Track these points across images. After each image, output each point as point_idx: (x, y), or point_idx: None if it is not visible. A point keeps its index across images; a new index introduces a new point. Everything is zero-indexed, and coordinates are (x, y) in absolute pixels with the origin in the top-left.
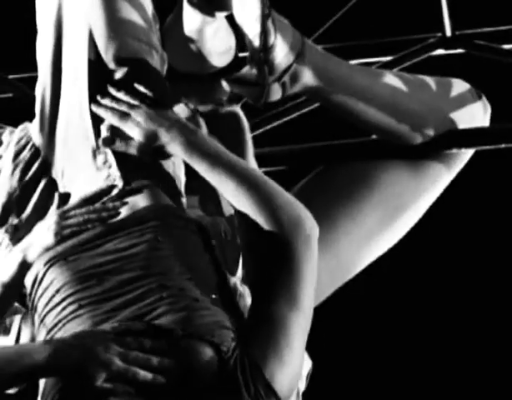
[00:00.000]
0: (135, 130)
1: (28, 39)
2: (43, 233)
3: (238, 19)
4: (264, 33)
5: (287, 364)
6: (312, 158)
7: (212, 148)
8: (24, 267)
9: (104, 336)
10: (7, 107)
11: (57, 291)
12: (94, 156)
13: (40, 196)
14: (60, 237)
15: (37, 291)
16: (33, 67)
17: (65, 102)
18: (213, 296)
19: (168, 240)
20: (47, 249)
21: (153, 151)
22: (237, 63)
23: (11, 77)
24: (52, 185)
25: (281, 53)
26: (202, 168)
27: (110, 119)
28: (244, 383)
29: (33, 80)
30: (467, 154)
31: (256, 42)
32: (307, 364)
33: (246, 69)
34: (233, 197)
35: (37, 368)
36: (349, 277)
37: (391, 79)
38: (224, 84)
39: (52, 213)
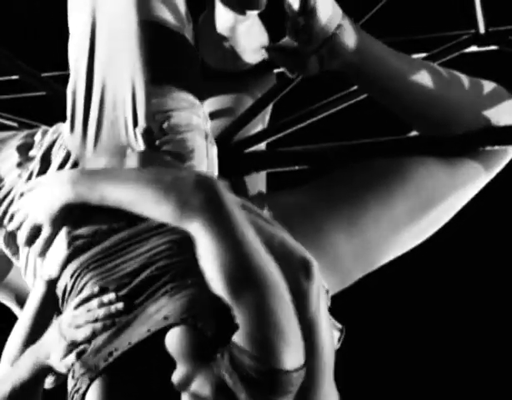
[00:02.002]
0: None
1: (62, 37)
2: (54, 344)
3: None
4: None
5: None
6: (346, 157)
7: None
8: (41, 370)
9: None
10: (41, 105)
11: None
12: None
13: None
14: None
15: (67, 301)
16: (67, 65)
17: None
18: None
19: (186, 243)
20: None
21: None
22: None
23: (44, 75)
24: None
25: (321, 22)
26: (94, 201)
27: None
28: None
29: (67, 78)
30: (507, 155)
31: (296, 5)
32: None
33: (285, 39)
34: (139, 210)
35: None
36: (375, 265)
37: (428, 67)
38: (263, 53)
39: (62, 320)
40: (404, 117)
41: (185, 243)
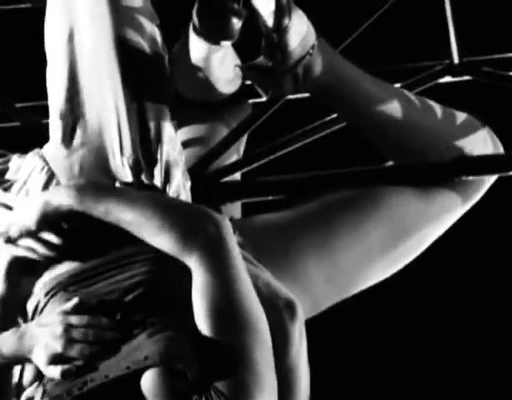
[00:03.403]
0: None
1: (37, 67)
2: (41, 344)
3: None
4: (278, 12)
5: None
6: (321, 186)
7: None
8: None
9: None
10: (17, 135)
11: None
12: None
13: None
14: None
15: (35, 318)
16: (42, 95)
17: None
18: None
19: (165, 271)
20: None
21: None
22: (244, 90)
23: (19, 105)
24: None
25: (295, 40)
26: (98, 215)
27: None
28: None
29: (42, 108)
30: (484, 184)
31: (270, 22)
32: None
33: (260, 58)
34: (141, 234)
35: (8, 354)
36: (348, 292)
37: (403, 94)
38: (237, 71)
39: (55, 318)
40: (377, 143)
41: (164, 277)
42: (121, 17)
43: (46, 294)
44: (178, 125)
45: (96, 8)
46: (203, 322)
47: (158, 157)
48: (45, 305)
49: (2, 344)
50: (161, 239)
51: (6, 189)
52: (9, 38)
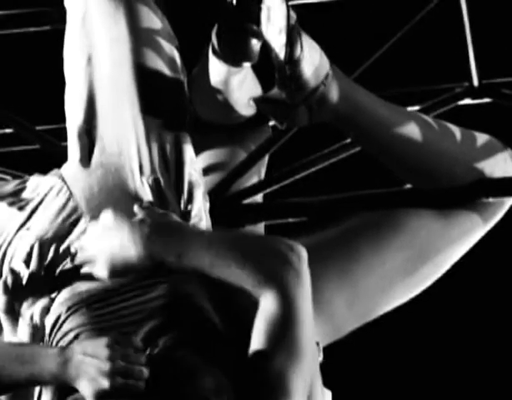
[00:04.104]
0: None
1: (56, 90)
2: (95, 373)
3: (265, 33)
4: (290, 44)
5: None
6: (340, 208)
7: (177, 233)
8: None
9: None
10: (35, 158)
11: (76, 337)
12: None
13: (70, 238)
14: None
15: (56, 334)
16: (61, 118)
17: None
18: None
19: (191, 296)
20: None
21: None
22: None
23: (38, 128)
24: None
25: (308, 71)
26: (171, 260)
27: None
28: None
29: (61, 131)
30: (503, 206)
31: (281, 54)
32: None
33: (274, 90)
34: (214, 272)
35: (47, 374)
36: (369, 317)
37: (419, 118)
38: (251, 104)
39: (102, 351)
40: (396, 169)
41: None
42: (139, 39)
43: (68, 309)
44: (197, 148)
45: (114, 31)
46: (262, 347)
47: (181, 177)
48: (66, 319)
49: (40, 362)
50: (239, 276)
51: (21, 208)
52: (28, 61)
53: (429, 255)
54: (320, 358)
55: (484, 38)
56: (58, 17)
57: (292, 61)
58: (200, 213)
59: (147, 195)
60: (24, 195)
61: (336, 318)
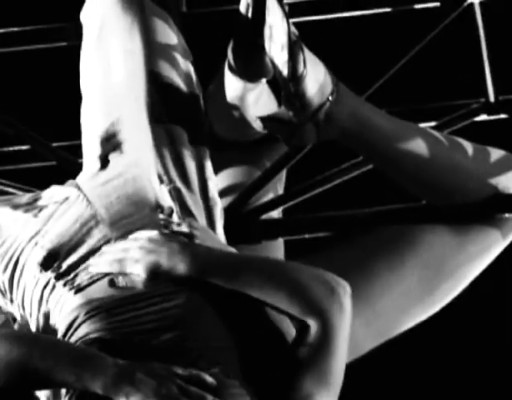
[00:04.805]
0: (136, 267)
1: (72, 107)
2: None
3: (268, 50)
4: (292, 60)
5: None
6: (356, 225)
7: (220, 257)
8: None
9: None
10: (52, 175)
11: (94, 341)
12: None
13: (88, 245)
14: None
15: (71, 336)
16: (77, 134)
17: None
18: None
19: (213, 305)
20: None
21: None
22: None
23: (54, 144)
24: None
25: (312, 87)
26: (221, 280)
27: (109, 269)
28: None
29: (77, 147)
30: None
31: (285, 71)
32: None
33: (280, 109)
34: (261, 296)
35: (96, 381)
36: (391, 334)
37: (430, 134)
38: (259, 124)
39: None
40: (408, 185)
41: (210, 305)
42: (154, 51)
43: (86, 313)
44: (213, 165)
45: (129, 44)
46: (298, 368)
47: (205, 192)
48: (82, 323)
49: (94, 368)
50: (288, 301)
51: (36, 215)
52: (45, 78)
53: (447, 272)
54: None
55: (501, 54)
56: (75, 33)
57: (295, 77)
58: (221, 231)
59: (167, 202)
60: (39, 203)
61: (355, 338)
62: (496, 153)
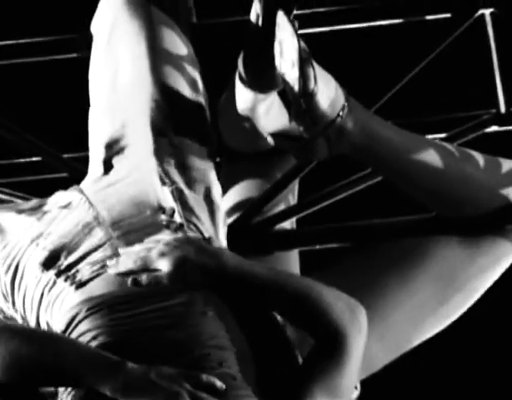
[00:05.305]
0: (163, 261)
1: (82, 118)
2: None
3: (278, 66)
4: (303, 77)
5: None
6: (367, 236)
7: (248, 263)
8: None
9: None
10: (63, 186)
11: (95, 338)
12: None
13: (90, 243)
14: None
15: (71, 332)
16: (88, 146)
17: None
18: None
19: (215, 305)
20: None
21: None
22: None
23: (66, 155)
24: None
25: (324, 103)
26: (245, 286)
27: (133, 266)
28: None
29: (88, 159)
30: None
31: (296, 87)
32: None
33: (291, 124)
34: (283, 308)
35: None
36: (405, 348)
37: (440, 146)
38: (270, 140)
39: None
40: (419, 197)
41: (213, 305)
42: (160, 58)
43: (87, 310)
44: (225, 177)
45: (136, 50)
46: (311, 381)
47: (209, 197)
48: (83, 320)
49: (96, 370)
50: (312, 318)
51: (39, 218)
52: (55, 89)
53: (459, 285)
54: (357, 392)
55: None
56: (86, 44)
57: (306, 94)
58: (223, 237)
59: (168, 203)
60: (44, 208)
61: (369, 354)
62: (507, 164)
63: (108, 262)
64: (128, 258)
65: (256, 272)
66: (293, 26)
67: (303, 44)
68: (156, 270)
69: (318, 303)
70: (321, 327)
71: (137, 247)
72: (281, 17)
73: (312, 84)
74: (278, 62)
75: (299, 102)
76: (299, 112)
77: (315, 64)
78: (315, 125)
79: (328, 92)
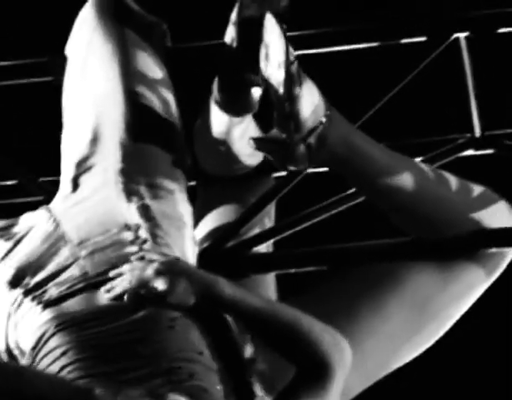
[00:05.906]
0: (159, 280)
1: (59, 141)
2: None
3: (264, 69)
4: (288, 80)
5: None
6: (340, 260)
7: (243, 291)
8: None
9: None
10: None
11: (64, 353)
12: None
13: (56, 263)
14: None
15: (41, 349)
16: None
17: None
18: (218, 387)
19: (181, 319)
20: None
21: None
22: (267, 164)
23: (42, 179)
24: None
25: (307, 109)
26: (237, 310)
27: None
28: None
29: None
30: (505, 257)
31: (280, 90)
32: None
33: (273, 131)
34: (270, 336)
35: None
36: (374, 378)
37: (417, 164)
38: (251, 144)
39: None
40: (392, 215)
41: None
42: (133, 79)
43: (56, 326)
44: (202, 201)
45: (110, 72)
46: None
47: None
48: (52, 336)
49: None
50: (299, 348)
51: (8, 239)
52: (32, 112)
53: (432, 313)
54: None
55: (487, 90)
56: (60, 67)
57: (291, 98)
58: (191, 254)
59: (134, 220)
60: (13, 230)
61: (345, 382)
62: (478, 189)
63: (102, 289)
64: (123, 280)
65: (249, 301)
66: (281, 27)
67: (290, 48)
68: (153, 288)
69: (309, 334)
70: (308, 357)
71: (128, 266)
72: (269, 20)
73: (297, 89)
74: (262, 65)
75: (283, 105)
76: (282, 117)
77: (301, 69)
78: (297, 131)
79: (311, 99)
